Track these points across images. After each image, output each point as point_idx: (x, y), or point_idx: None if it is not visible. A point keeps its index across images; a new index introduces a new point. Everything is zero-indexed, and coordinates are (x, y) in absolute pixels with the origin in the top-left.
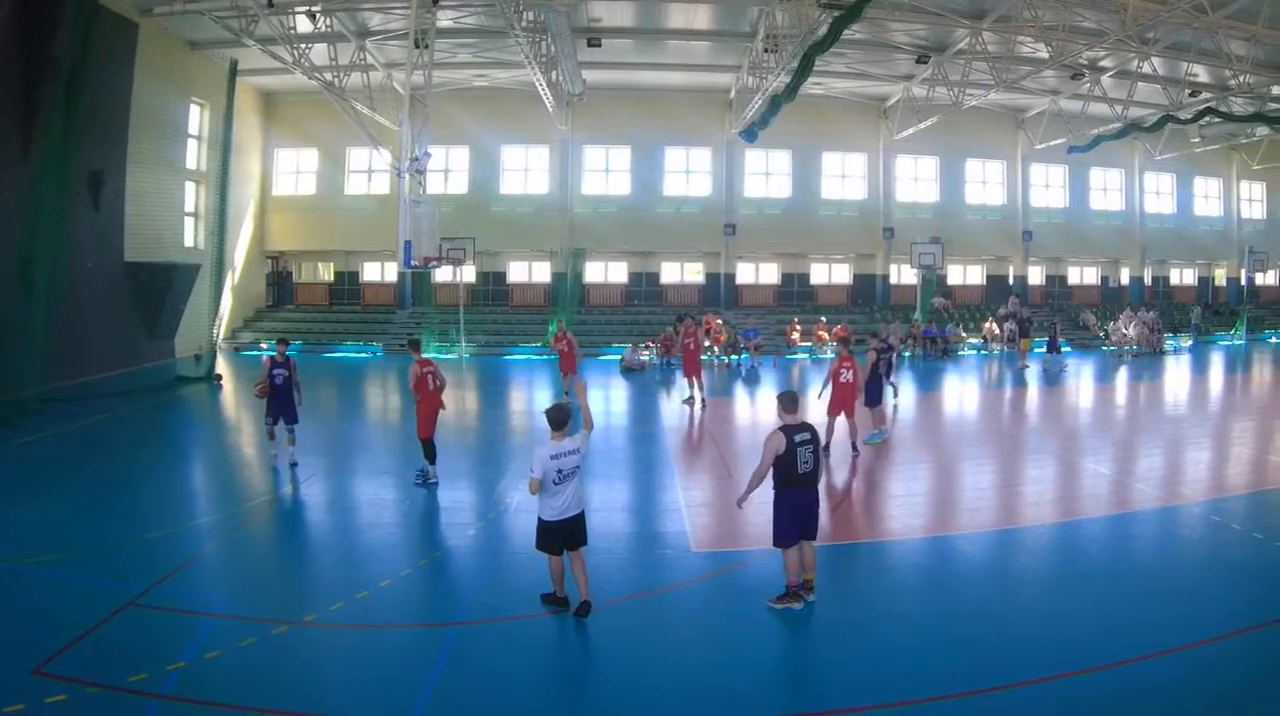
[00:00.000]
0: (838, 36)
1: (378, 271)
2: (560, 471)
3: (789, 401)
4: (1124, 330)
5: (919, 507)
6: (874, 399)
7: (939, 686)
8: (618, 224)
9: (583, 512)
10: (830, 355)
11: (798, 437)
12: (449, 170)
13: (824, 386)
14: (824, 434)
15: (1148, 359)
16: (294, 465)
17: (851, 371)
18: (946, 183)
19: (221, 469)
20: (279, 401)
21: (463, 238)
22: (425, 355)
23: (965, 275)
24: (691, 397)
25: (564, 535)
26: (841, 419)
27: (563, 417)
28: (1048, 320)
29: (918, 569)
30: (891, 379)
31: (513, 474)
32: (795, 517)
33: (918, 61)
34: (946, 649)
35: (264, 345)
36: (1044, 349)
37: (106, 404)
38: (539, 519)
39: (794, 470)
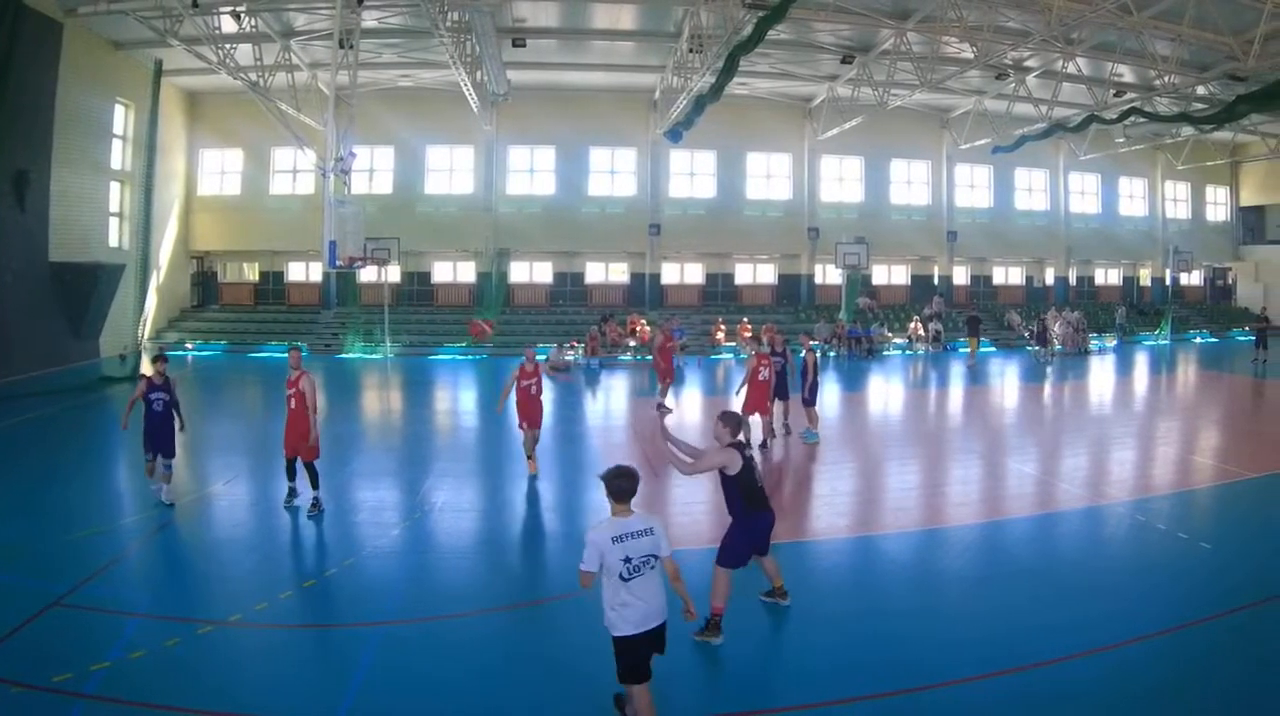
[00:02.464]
0: (762, 37)
1: (303, 271)
2: (629, 561)
3: (734, 422)
4: (1050, 330)
5: (844, 507)
6: (812, 398)
7: (865, 686)
8: (542, 224)
9: (665, 622)
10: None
11: (747, 453)
12: (374, 170)
13: (741, 386)
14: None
15: (1072, 359)
16: (170, 505)
17: (768, 370)
18: (871, 183)
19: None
20: (157, 432)
21: (387, 238)
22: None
23: (890, 275)
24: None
25: (649, 651)
26: (755, 418)
27: (630, 486)
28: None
29: (843, 569)
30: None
31: (436, 474)
32: (755, 540)
33: (842, 62)
34: (872, 648)
35: (189, 344)
36: (991, 347)
37: (31, 404)
38: (612, 637)
39: (755, 489)
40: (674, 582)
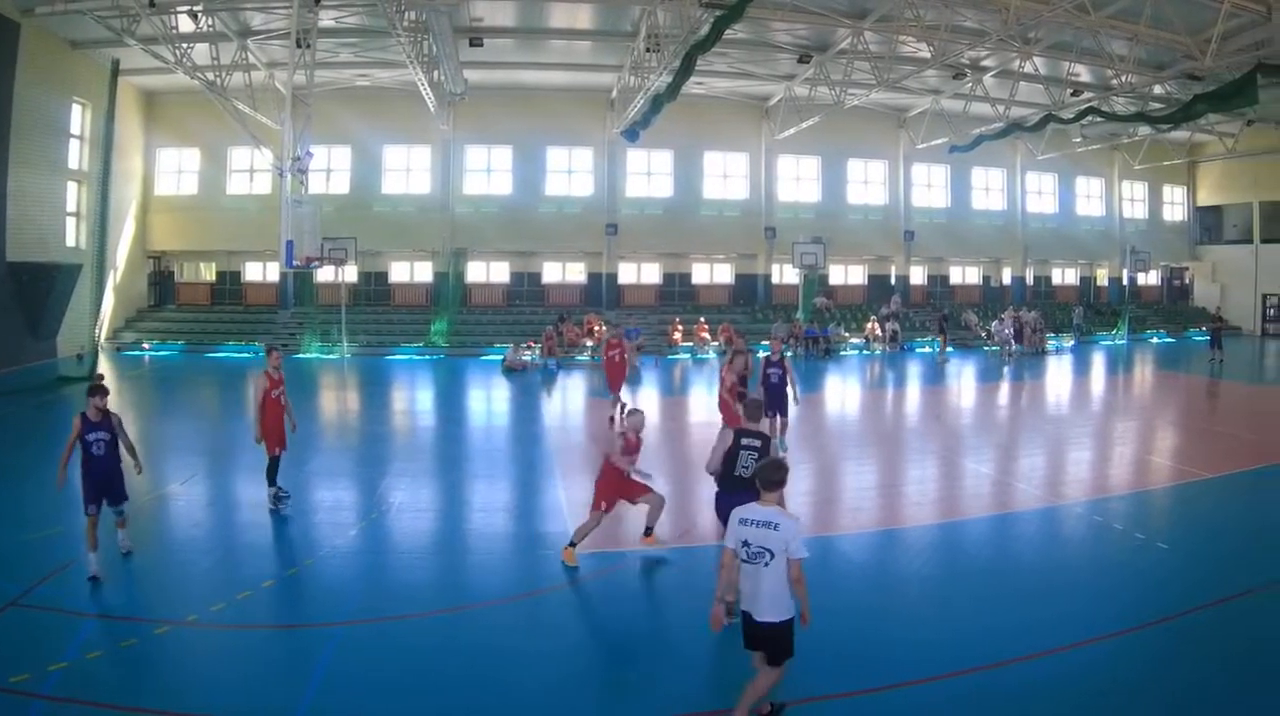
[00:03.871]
0: (719, 36)
1: (260, 271)
2: (747, 545)
3: (753, 408)
4: (1006, 330)
5: (801, 507)
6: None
7: (821, 686)
8: (500, 224)
9: (763, 623)
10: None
11: (744, 441)
12: (331, 170)
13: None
14: None
15: (1030, 359)
16: (126, 554)
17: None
18: (828, 182)
19: None
20: (98, 477)
21: (344, 237)
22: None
23: (847, 275)
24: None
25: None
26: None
27: (773, 477)
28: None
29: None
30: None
31: (394, 473)
32: (720, 515)
33: (800, 61)
34: (829, 648)
35: (146, 345)
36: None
37: None
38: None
39: (732, 469)
40: (795, 585)
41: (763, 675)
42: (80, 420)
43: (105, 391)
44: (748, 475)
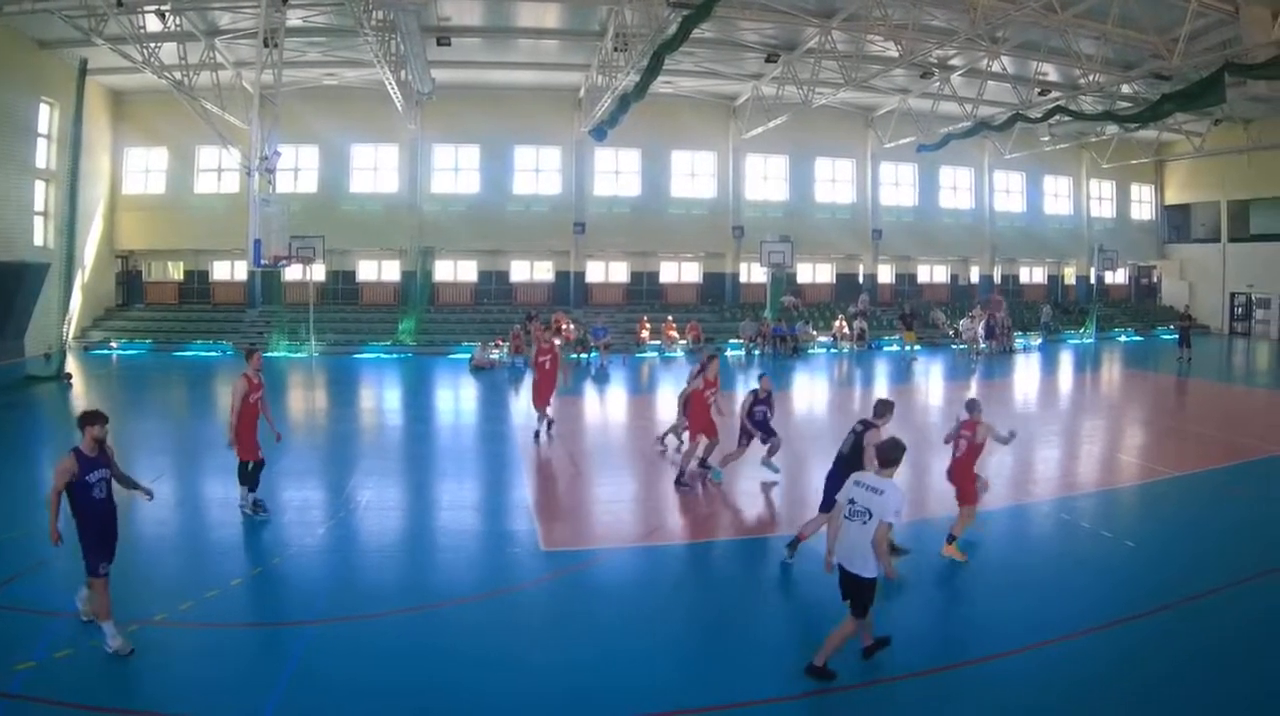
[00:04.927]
0: (687, 35)
1: (227, 270)
2: (853, 503)
3: (884, 408)
4: (975, 329)
5: (772, 506)
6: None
7: (790, 685)
8: (467, 222)
9: (853, 575)
10: (680, 353)
11: (855, 426)
12: (298, 169)
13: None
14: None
15: (998, 358)
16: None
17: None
18: (796, 181)
19: None
20: (102, 526)
21: (312, 236)
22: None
23: (815, 273)
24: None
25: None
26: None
27: (889, 456)
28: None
29: (771, 567)
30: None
31: (361, 472)
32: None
33: (767, 60)
34: (801, 648)
35: (114, 343)
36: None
37: None
38: None
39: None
40: (876, 543)
41: (847, 622)
42: (75, 458)
43: (104, 419)
44: (845, 453)
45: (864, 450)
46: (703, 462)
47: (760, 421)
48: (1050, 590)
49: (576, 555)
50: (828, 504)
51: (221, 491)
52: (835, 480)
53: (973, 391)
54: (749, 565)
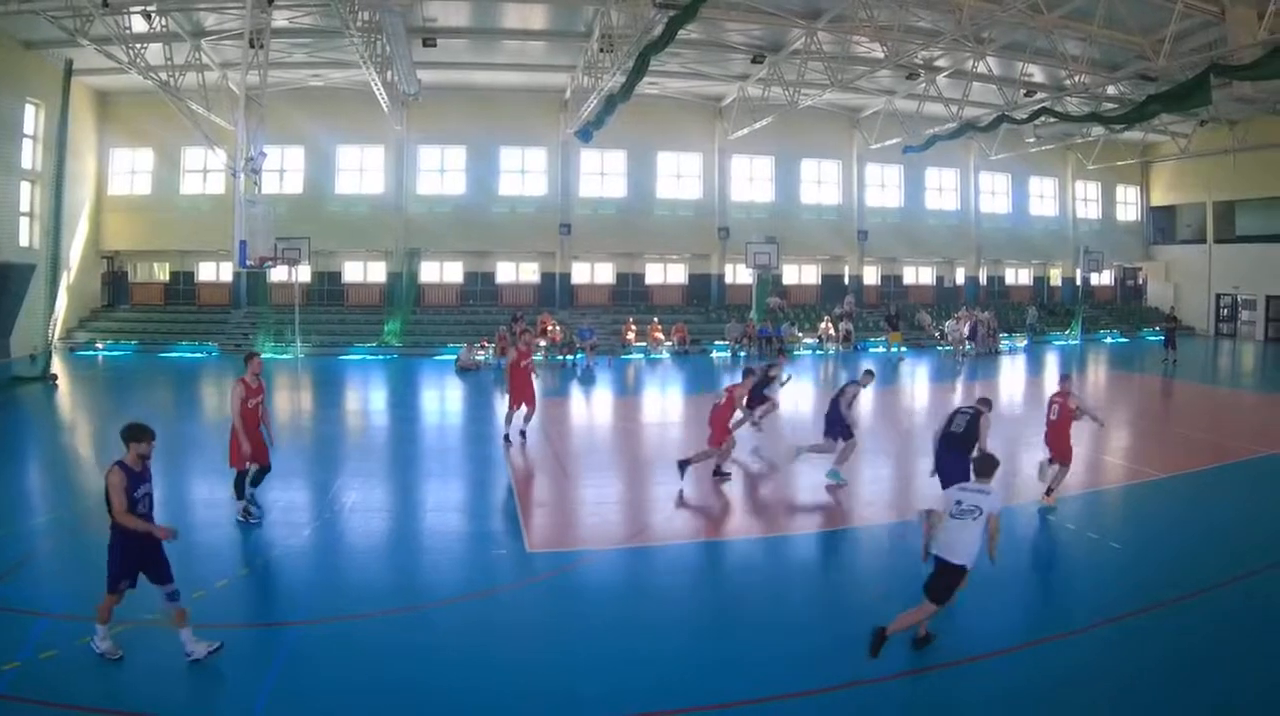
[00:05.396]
0: (673, 36)
1: (213, 271)
2: (959, 504)
3: (987, 402)
4: (960, 330)
5: (752, 507)
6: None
7: (776, 686)
8: (453, 224)
9: (951, 565)
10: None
11: (961, 408)
12: (284, 170)
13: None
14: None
15: (983, 359)
16: (196, 660)
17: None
18: (782, 182)
19: (57, 468)
20: (140, 545)
21: (298, 237)
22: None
23: (800, 275)
24: (525, 432)
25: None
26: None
27: (985, 467)
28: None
29: (755, 569)
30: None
31: (347, 474)
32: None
33: (753, 61)
34: (783, 649)
35: (100, 344)
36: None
37: None
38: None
39: (948, 427)
40: (992, 531)
41: (923, 606)
42: (121, 473)
43: (151, 434)
44: (960, 432)
45: (979, 431)
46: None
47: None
48: (1036, 591)
49: (563, 556)
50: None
51: (207, 492)
52: (944, 456)
53: (958, 393)
54: (735, 566)
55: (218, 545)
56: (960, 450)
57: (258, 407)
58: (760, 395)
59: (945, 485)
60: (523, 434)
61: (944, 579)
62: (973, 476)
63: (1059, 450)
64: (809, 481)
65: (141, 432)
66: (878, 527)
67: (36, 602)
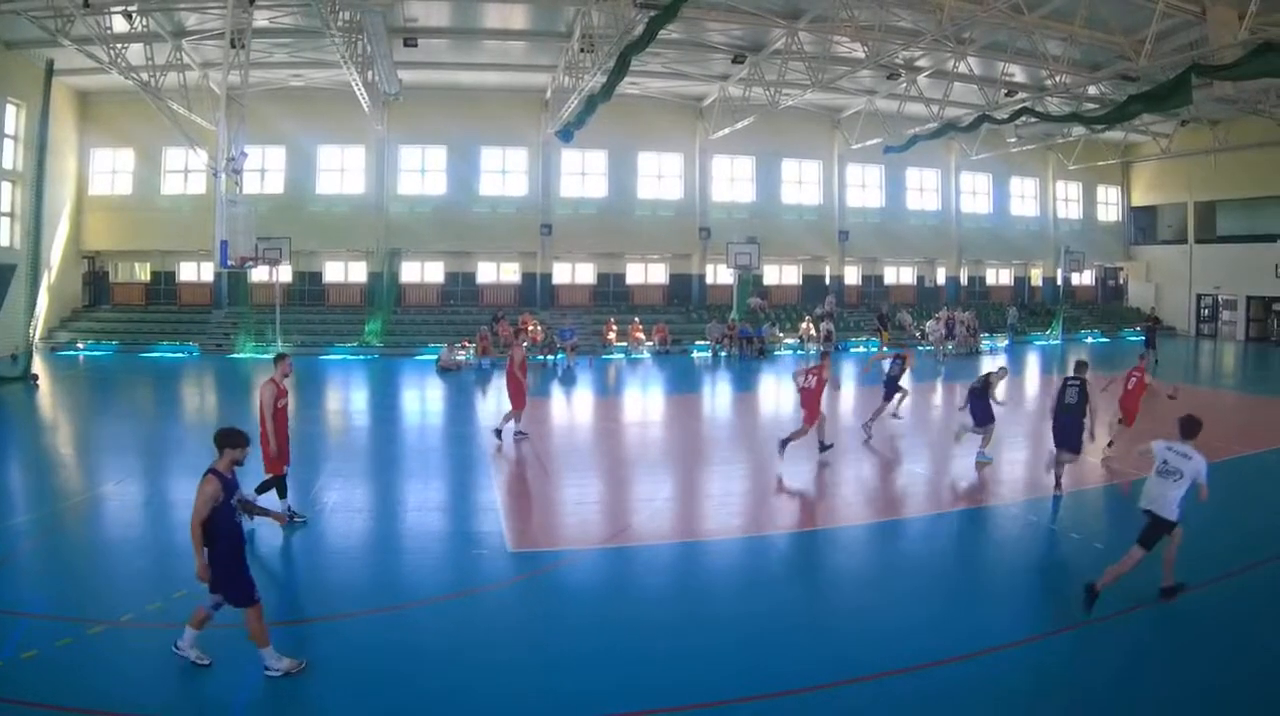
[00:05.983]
0: (654, 36)
1: (194, 271)
2: (1166, 463)
3: (1083, 366)
4: (941, 330)
5: (737, 507)
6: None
7: (756, 686)
8: (434, 224)
9: (1159, 517)
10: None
11: (1069, 380)
12: (265, 170)
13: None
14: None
15: (964, 359)
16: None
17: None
18: (763, 183)
19: (37, 468)
20: (240, 555)
21: (279, 237)
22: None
23: (781, 275)
24: (502, 430)
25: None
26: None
27: (1194, 430)
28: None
29: (736, 569)
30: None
31: (328, 474)
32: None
33: (734, 61)
34: (764, 649)
35: (81, 344)
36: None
37: None
38: None
39: (1062, 399)
40: (1201, 495)
41: (1131, 553)
42: (217, 482)
43: (247, 440)
44: (1073, 402)
45: (1088, 398)
46: (822, 446)
47: (976, 400)
48: (1018, 592)
49: (544, 556)
50: (1066, 443)
51: (187, 492)
52: (1062, 423)
53: (938, 392)
54: (718, 565)
55: None
56: (1075, 415)
57: (286, 408)
58: (895, 386)
59: (1061, 445)
60: (497, 433)
61: (1155, 531)
62: (1179, 436)
63: (1130, 413)
64: (792, 481)
65: (239, 438)
66: (862, 527)
67: (16, 603)
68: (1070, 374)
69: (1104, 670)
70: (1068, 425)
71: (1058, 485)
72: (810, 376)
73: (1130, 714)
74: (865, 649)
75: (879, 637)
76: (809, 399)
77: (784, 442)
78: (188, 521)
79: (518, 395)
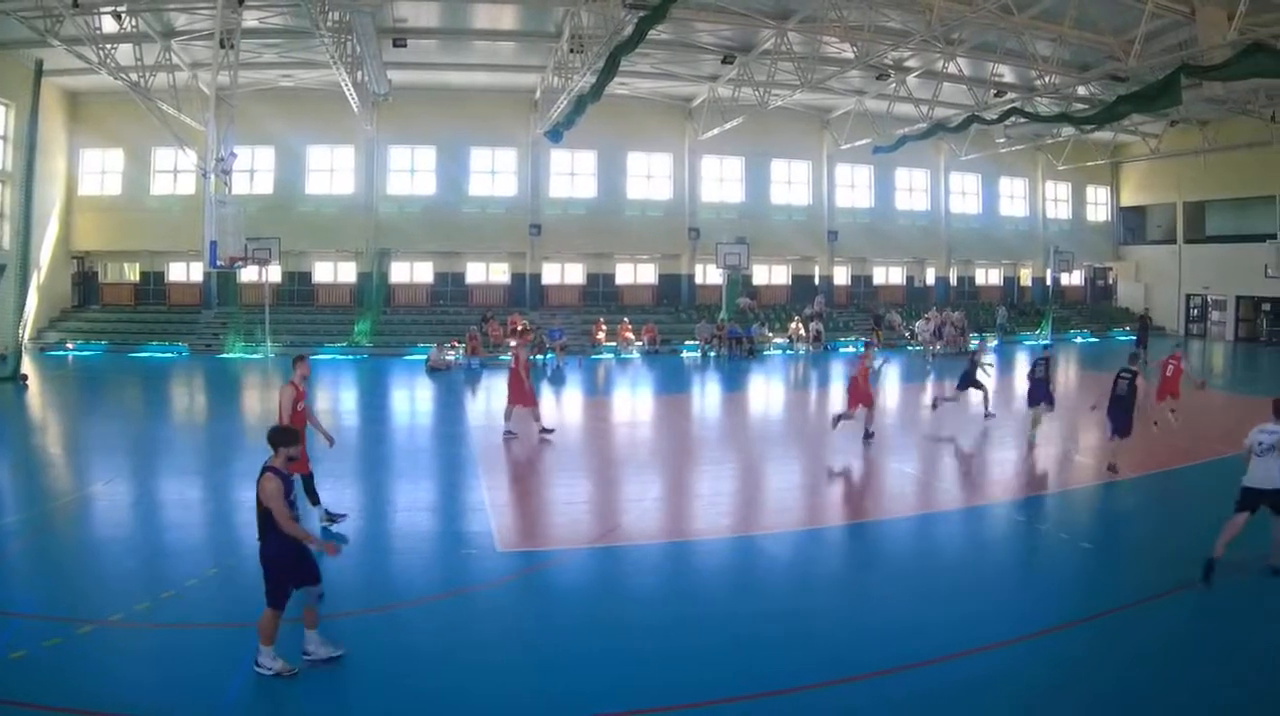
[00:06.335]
0: (643, 37)
1: (183, 271)
2: (1261, 443)
3: (1135, 358)
4: (929, 330)
5: (726, 507)
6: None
7: (746, 686)
8: (423, 224)
9: (1262, 490)
10: (636, 355)
11: (1121, 374)
12: (254, 170)
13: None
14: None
15: (953, 359)
16: (327, 660)
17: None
18: (752, 183)
19: (26, 468)
20: (305, 548)
21: (268, 238)
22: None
23: (771, 275)
24: (525, 431)
25: (1258, 502)
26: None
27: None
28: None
29: (727, 569)
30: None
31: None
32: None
33: (723, 62)
34: (754, 649)
35: (70, 344)
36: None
37: None
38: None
39: (1114, 391)
40: None
41: (1234, 520)
42: (276, 479)
43: (298, 438)
44: (1124, 394)
45: (1136, 390)
46: (867, 433)
47: (1040, 379)
48: (1007, 592)
49: (533, 556)
50: (1121, 430)
51: (176, 492)
52: (1117, 413)
53: (928, 392)
54: (708, 565)
55: (187, 545)
56: (1127, 405)
57: (304, 411)
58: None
59: (1115, 432)
60: (508, 433)
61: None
62: (1272, 417)
63: (1174, 393)
64: (780, 482)
65: (292, 436)
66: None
67: (5, 603)
68: (1124, 367)
69: (1106, 669)
70: (1120, 414)
71: (1112, 468)
72: (859, 362)
73: (1130, 714)
74: (856, 649)
75: (870, 637)
76: (852, 388)
77: (836, 418)
78: (177, 522)
79: (523, 395)
